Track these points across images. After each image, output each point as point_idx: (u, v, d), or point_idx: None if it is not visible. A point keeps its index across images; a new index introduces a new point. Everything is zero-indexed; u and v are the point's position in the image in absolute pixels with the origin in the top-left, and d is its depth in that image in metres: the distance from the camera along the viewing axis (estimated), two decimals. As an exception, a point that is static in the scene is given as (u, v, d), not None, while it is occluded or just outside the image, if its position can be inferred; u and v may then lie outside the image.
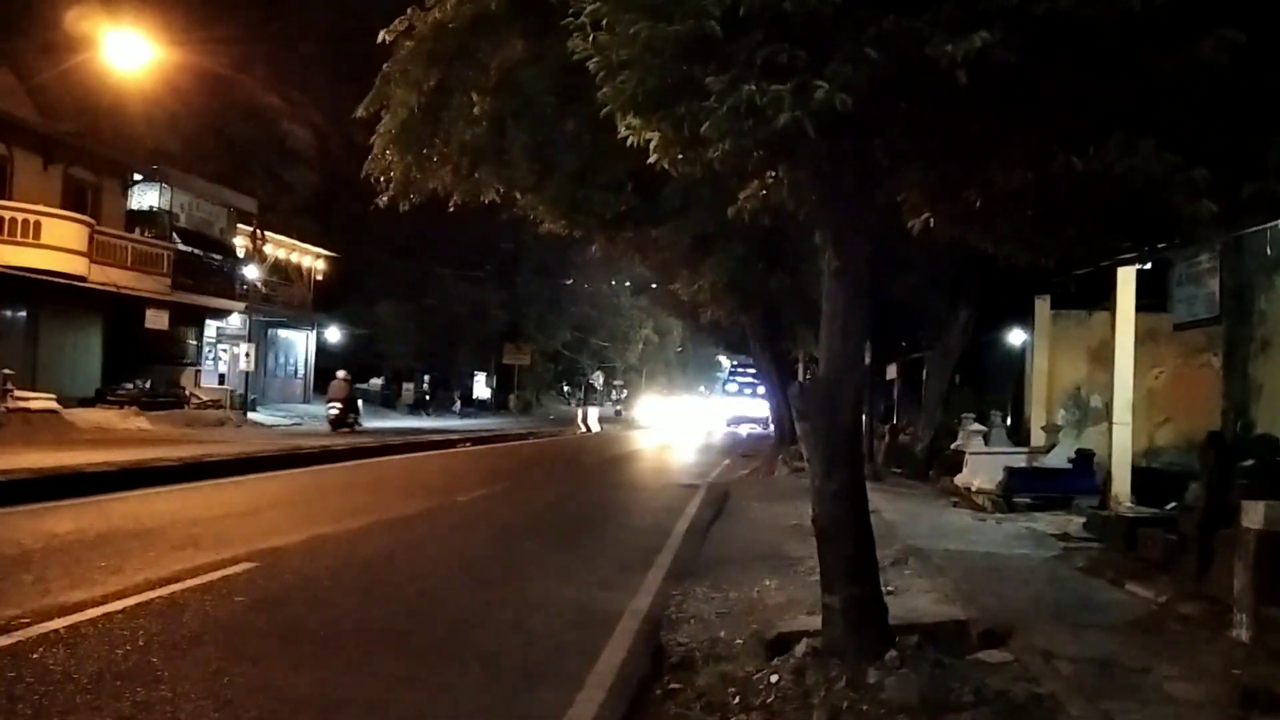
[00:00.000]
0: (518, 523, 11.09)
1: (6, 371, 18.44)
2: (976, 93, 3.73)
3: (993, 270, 10.45)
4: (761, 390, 47.04)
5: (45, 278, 20.83)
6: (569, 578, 7.53)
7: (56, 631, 5.06)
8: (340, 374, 26.67)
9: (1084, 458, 11.83)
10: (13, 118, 20.95)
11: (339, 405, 25.67)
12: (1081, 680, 4.60)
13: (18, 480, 10.32)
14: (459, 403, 40.43)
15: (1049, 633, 5.42)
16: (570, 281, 49.18)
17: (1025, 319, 14.96)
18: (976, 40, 3.49)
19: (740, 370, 51.14)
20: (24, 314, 21.89)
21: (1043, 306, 14.12)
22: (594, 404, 42.80)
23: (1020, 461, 12.54)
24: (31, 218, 20.66)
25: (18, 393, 18.86)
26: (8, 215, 20.35)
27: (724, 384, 56.02)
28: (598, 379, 53.94)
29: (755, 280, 15.09)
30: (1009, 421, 15.05)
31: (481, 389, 46.63)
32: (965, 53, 3.50)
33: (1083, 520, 9.76)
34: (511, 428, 32.96)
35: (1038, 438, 13.74)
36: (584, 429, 37.46)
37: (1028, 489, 11.74)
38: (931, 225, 4.94)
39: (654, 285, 21.14)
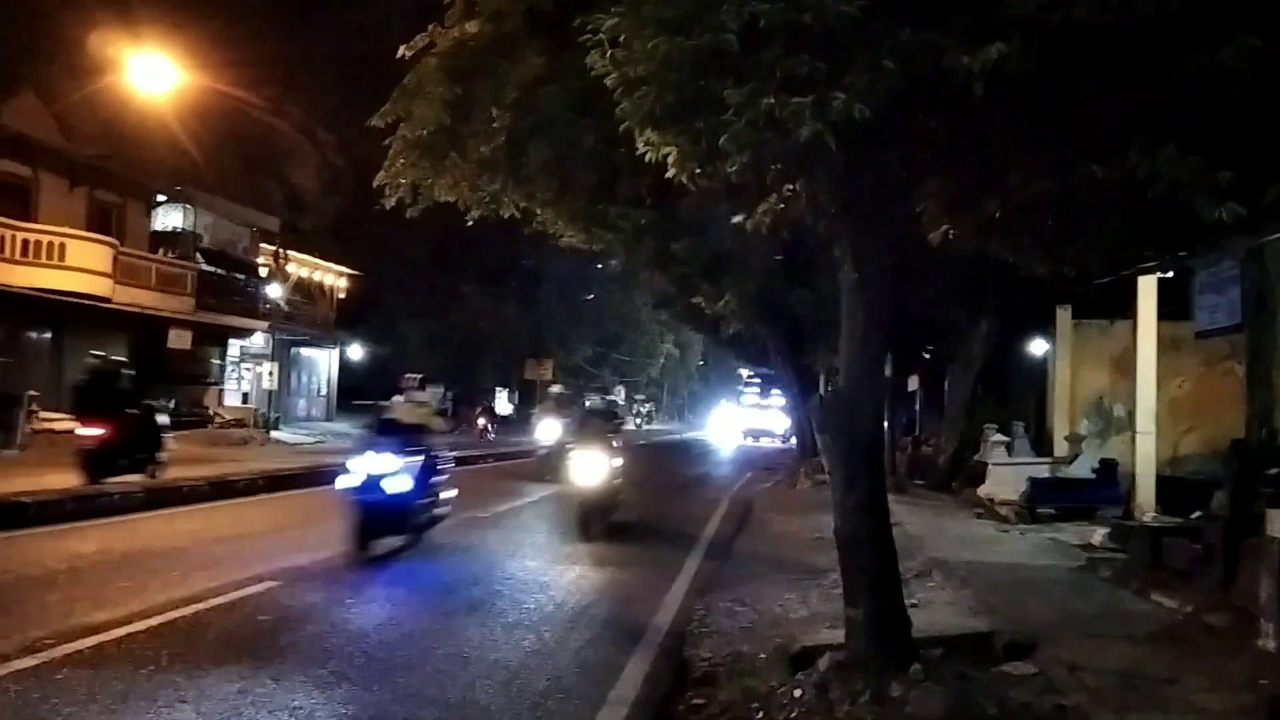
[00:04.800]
0: (540, 534, 11.10)
1: (31, 393, 18.61)
2: (993, 103, 3.74)
3: (1013, 280, 10.40)
4: (780, 402, 46.91)
5: (70, 299, 21.05)
6: (594, 591, 7.53)
7: (80, 652, 5.10)
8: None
9: (1107, 467, 11.74)
10: (38, 141, 21.23)
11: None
12: (1107, 692, 4.55)
13: (42, 501, 10.41)
14: (482, 420, 38.82)
15: (1074, 644, 5.37)
16: (592, 297, 49.33)
17: (1047, 328, 14.86)
18: (993, 51, 3.50)
19: (757, 382, 50.90)
20: (49, 335, 22.14)
21: (1064, 316, 14.04)
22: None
23: (1043, 472, 12.45)
24: (56, 240, 20.90)
25: (42, 414, 19.03)
26: (33, 237, 20.59)
27: (740, 396, 55.76)
28: (619, 393, 53.94)
29: (775, 294, 15.07)
30: (1031, 432, 14.93)
31: (504, 405, 46.74)
32: (982, 64, 3.51)
33: (1107, 531, 9.67)
34: (532, 443, 32.82)
35: (1061, 448, 13.64)
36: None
37: (1051, 499, 11.65)
38: (951, 236, 4.93)
39: (673, 299, 21.10)
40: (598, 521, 10.58)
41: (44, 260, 20.65)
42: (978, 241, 5.09)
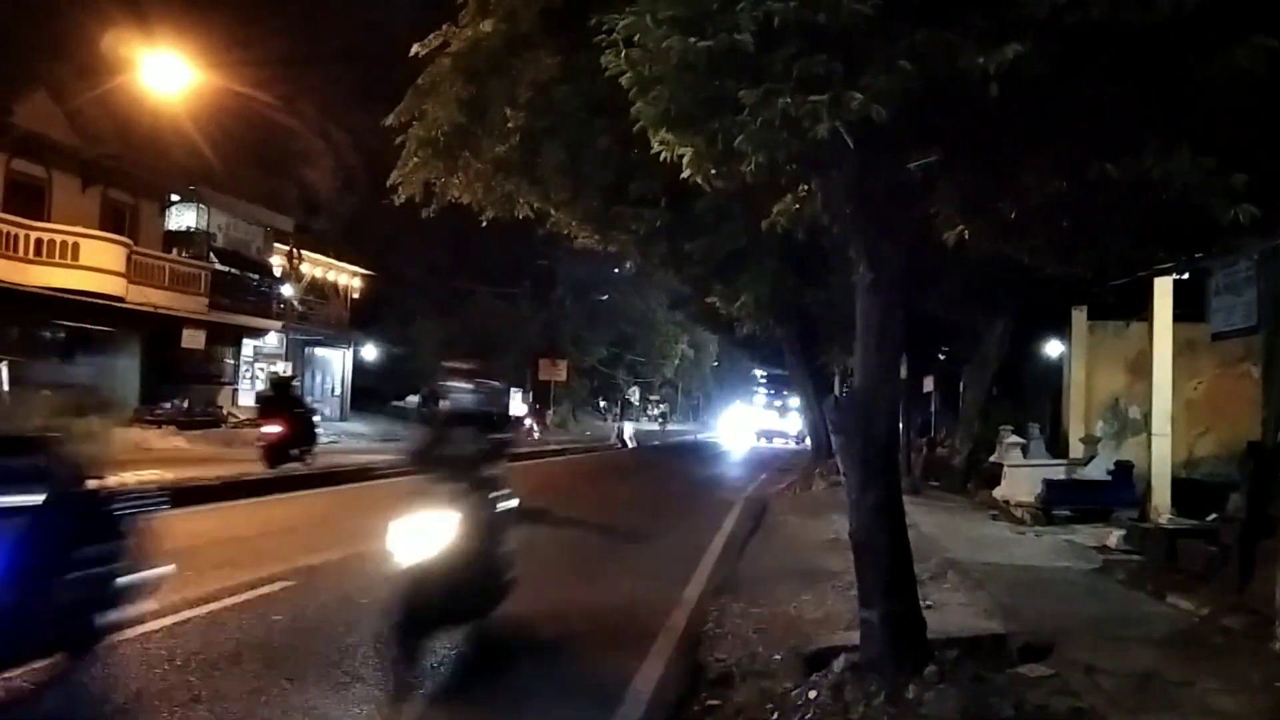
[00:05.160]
0: (552, 538, 11.09)
1: (45, 392, 18.67)
2: (1008, 104, 3.72)
3: (1029, 281, 10.37)
4: (793, 403, 46.83)
5: (84, 298, 21.17)
6: (604, 593, 7.54)
7: (93, 651, 5.02)
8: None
9: (1123, 469, 11.69)
10: (51, 140, 21.32)
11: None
12: (1123, 694, 4.53)
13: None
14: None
15: (1090, 646, 5.34)
16: (606, 297, 49.36)
17: (1062, 330, 14.79)
18: (1009, 52, 3.48)
19: (770, 383, 50.86)
20: (63, 335, 22.31)
21: (1079, 317, 13.97)
22: (630, 419, 42.94)
23: (1059, 473, 12.40)
24: (70, 239, 20.97)
25: (58, 413, 19.14)
26: (47, 237, 20.69)
27: (753, 397, 55.71)
28: (634, 394, 53.99)
29: (789, 294, 15.05)
30: (1047, 433, 14.86)
31: (518, 406, 46.86)
32: (998, 64, 3.50)
33: (1122, 532, 9.62)
34: (548, 443, 33.03)
35: (1076, 450, 13.57)
36: (620, 444, 37.48)
37: (1067, 501, 11.60)
38: (966, 237, 4.91)
39: (688, 299, 21.07)
40: (441, 631, 5.43)
41: (57, 259, 20.73)
42: (993, 243, 5.08)
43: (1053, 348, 16.33)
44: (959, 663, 4.61)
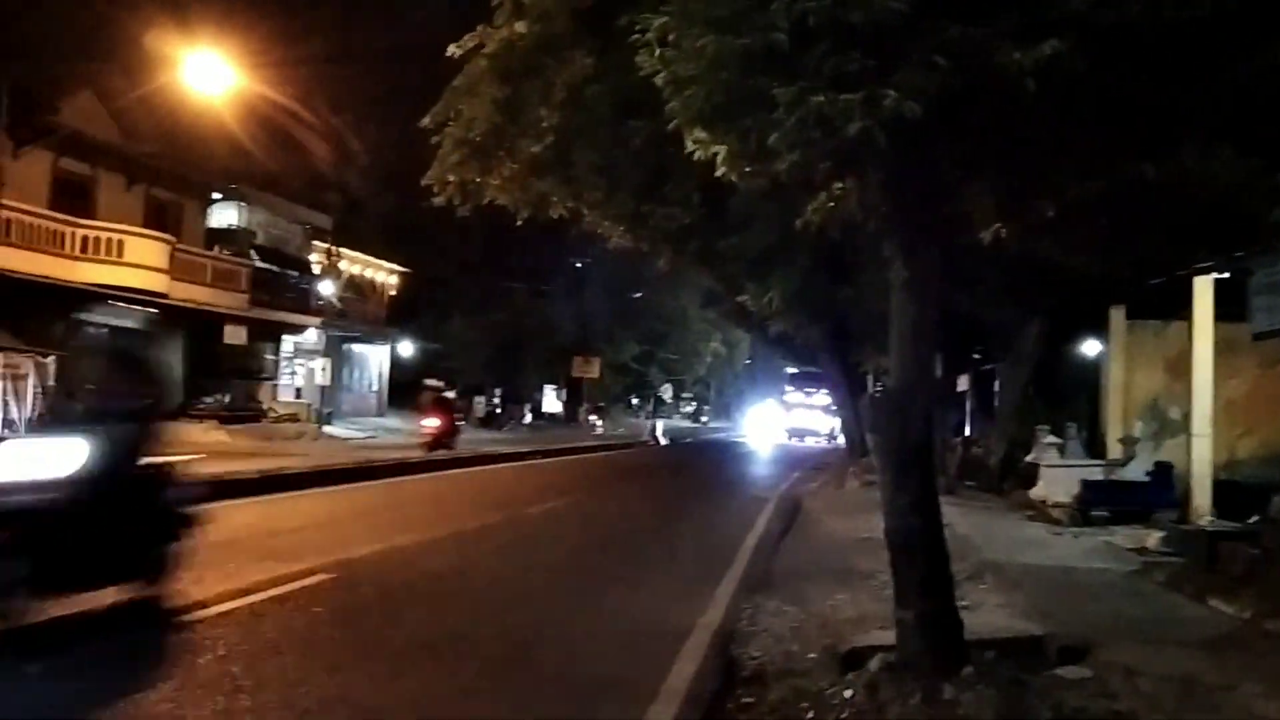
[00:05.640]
0: (588, 535, 11.18)
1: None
2: (1045, 101, 3.70)
3: (1066, 280, 10.24)
4: (824, 401, 46.47)
5: (128, 295, 21.58)
6: (639, 590, 7.58)
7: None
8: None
9: (1162, 470, 11.52)
10: (96, 140, 21.71)
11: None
12: (1163, 698, 4.48)
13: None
14: (529, 416, 41.13)
15: (1129, 649, 5.28)
16: (639, 295, 49.41)
17: (1100, 329, 14.59)
18: (1045, 49, 3.46)
19: (802, 381, 50.37)
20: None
21: (1118, 316, 13.77)
22: (662, 416, 43.10)
23: (1097, 474, 12.25)
24: (115, 236, 21.40)
25: (104, 407, 19.53)
26: (92, 234, 21.13)
27: (784, 395, 55.21)
28: (666, 392, 53.98)
29: (820, 292, 14.99)
30: (1084, 434, 14.67)
31: (551, 402, 47.08)
32: (1034, 61, 3.48)
33: (1162, 534, 9.49)
34: (580, 441, 33.22)
35: (1114, 450, 13.40)
36: (652, 441, 37.56)
37: (1105, 502, 11.46)
38: (1003, 235, 4.87)
39: (720, 297, 21.07)
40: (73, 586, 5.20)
41: (103, 256, 21.14)
42: (1029, 241, 5.04)
43: (1090, 347, 16.11)
44: (996, 664, 4.58)
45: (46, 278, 19.81)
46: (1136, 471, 12.07)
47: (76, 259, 20.81)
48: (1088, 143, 4.15)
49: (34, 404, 17.40)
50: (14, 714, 4.24)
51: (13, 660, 4.70)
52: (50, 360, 18.00)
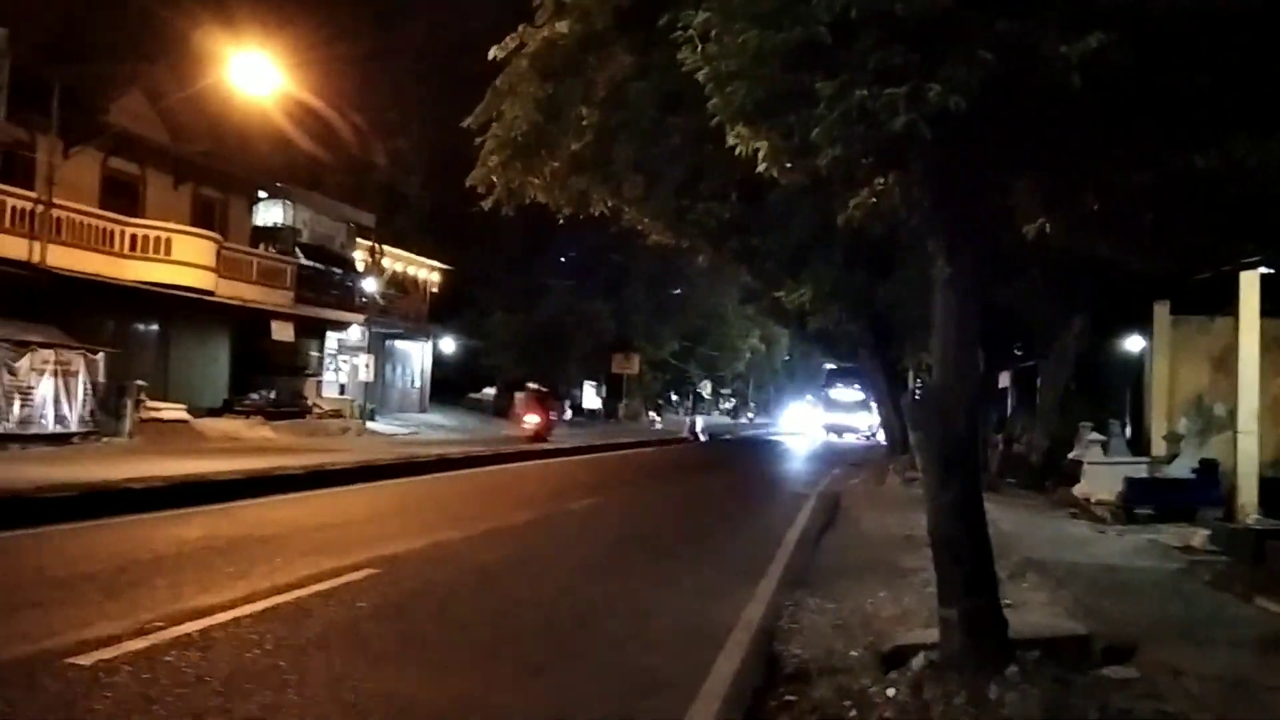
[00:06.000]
0: (629, 531, 11.21)
1: (139, 383, 19.45)
2: (1091, 94, 3.65)
3: (1109, 275, 10.07)
4: (861, 398, 46.03)
5: (176, 292, 21.88)
6: (681, 586, 7.59)
7: (189, 635, 5.27)
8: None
9: (1208, 468, 11.32)
10: (145, 139, 22.11)
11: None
12: (1211, 699, 4.41)
13: (152, 489, 10.87)
14: (569, 412, 41.51)
15: (1176, 649, 5.20)
16: (678, 292, 49.39)
17: (1143, 325, 14.31)
18: (1092, 41, 3.42)
19: (841, 377, 49.86)
20: (156, 327, 23.13)
21: (1162, 312, 13.51)
22: (701, 412, 43.23)
23: (1141, 472, 12.05)
24: (163, 235, 21.75)
25: (150, 403, 19.89)
26: (141, 232, 21.48)
27: (822, 390, 54.68)
28: (705, 388, 53.96)
29: (857, 288, 14.89)
30: (1128, 431, 14.41)
31: (591, 399, 47.31)
32: (1081, 54, 3.43)
33: (1208, 533, 9.32)
34: (620, 437, 33.32)
35: (1158, 447, 13.16)
36: (691, 437, 37.58)
37: (1149, 500, 11.29)
38: (1048, 230, 4.81)
39: (760, 294, 21.02)
40: None
41: (151, 254, 21.46)
42: (1074, 236, 4.97)
43: (1133, 343, 15.81)
44: (1041, 663, 4.53)
45: (96, 276, 20.22)
46: (1181, 469, 11.85)
47: (126, 257, 21.17)
48: (1135, 135, 4.08)
49: (84, 399, 17.84)
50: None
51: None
52: (100, 357, 18.42)
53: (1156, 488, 11.60)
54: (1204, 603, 6.74)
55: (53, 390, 17.11)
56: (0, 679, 4.39)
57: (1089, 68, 3.44)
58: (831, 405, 51.45)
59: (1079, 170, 4.36)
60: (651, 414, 44.66)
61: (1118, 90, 3.76)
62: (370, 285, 30.85)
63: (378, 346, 32.13)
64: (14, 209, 18.77)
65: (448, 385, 38.39)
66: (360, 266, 31.84)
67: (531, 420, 27.41)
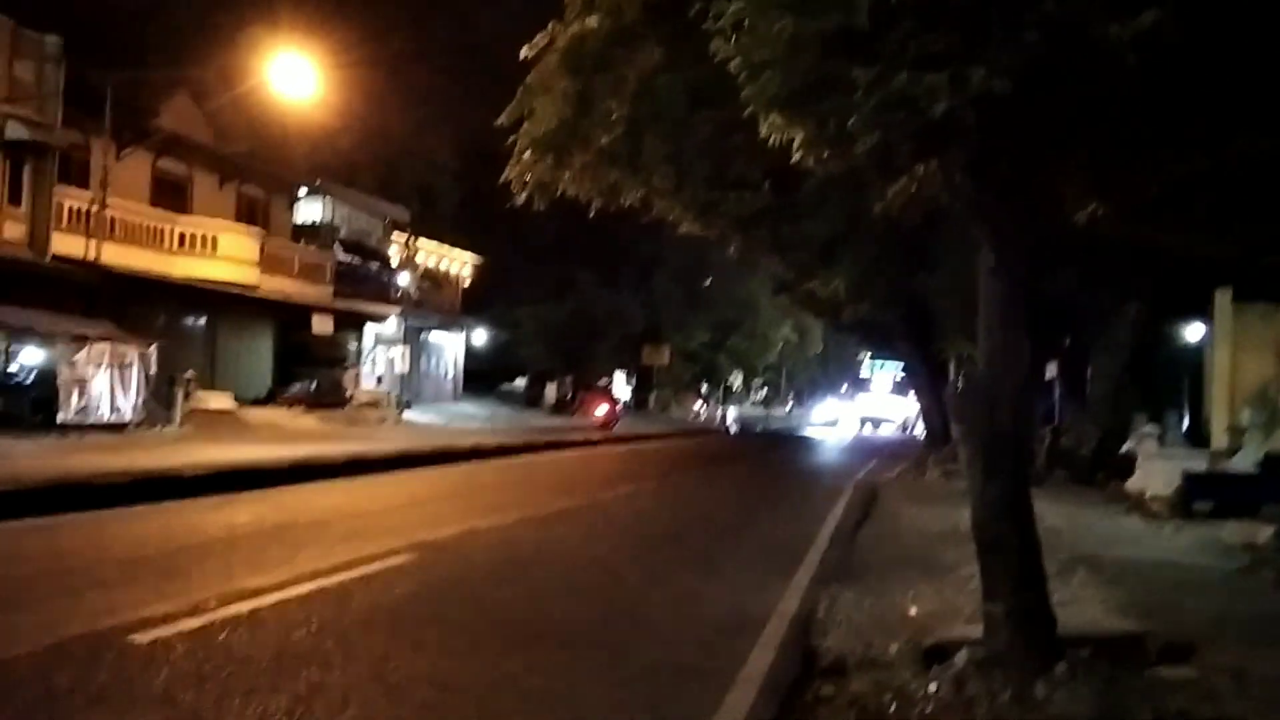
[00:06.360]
0: (662, 522, 11.18)
1: (189, 375, 20.02)
2: (1145, 74, 3.51)
3: (1165, 261, 9.79)
4: (896, 389, 45.48)
5: (222, 287, 22.53)
6: (715, 578, 7.54)
7: (239, 615, 5.47)
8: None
9: (1273, 461, 10.95)
10: (193, 141, 22.83)
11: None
12: (1274, 702, 4.24)
13: (202, 475, 11.23)
14: (700, 411, 42.00)
15: (1237, 650, 5.02)
16: (708, 282, 49.15)
17: (1203, 313, 13.94)
18: (1145, 19, 3.29)
19: (876, 368, 49.29)
20: (203, 321, 23.76)
21: (1223, 299, 13.13)
22: (733, 404, 43.07)
23: (1200, 465, 11.72)
24: (209, 232, 22.43)
25: (199, 394, 20.47)
26: (189, 230, 22.16)
27: (857, 381, 54.06)
28: (736, 379, 53.69)
29: (893, 278, 14.69)
30: (1185, 422, 14.05)
31: (621, 389, 47.32)
32: (1134, 33, 3.30)
33: (1272, 529, 9.01)
34: (651, 428, 33.41)
35: (1219, 440, 12.80)
36: (722, 429, 37.47)
37: (1209, 495, 10.96)
38: (1099, 216, 4.66)
39: (792, 284, 20.82)
40: None
41: (199, 251, 22.18)
42: (1128, 222, 4.81)
43: (1192, 331, 15.42)
44: (1091, 662, 4.40)
45: (148, 272, 20.90)
46: (1244, 463, 11.51)
47: (174, 254, 21.83)
48: (1195, 117, 3.92)
49: (138, 390, 18.32)
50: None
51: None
52: (152, 349, 18.89)
53: (1217, 482, 11.27)
54: (1268, 602, 6.55)
55: (108, 382, 17.61)
56: (67, 655, 4.57)
57: (1142, 47, 3.31)
58: (867, 396, 50.83)
59: (1132, 154, 4.21)
60: (700, 404, 43.34)
61: (1173, 70, 3.61)
62: (405, 279, 31.19)
63: (413, 338, 32.49)
64: (71, 209, 19.51)
65: (480, 376, 38.76)
66: (395, 261, 32.18)
67: (602, 410, 32.39)
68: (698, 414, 41.98)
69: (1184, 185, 4.24)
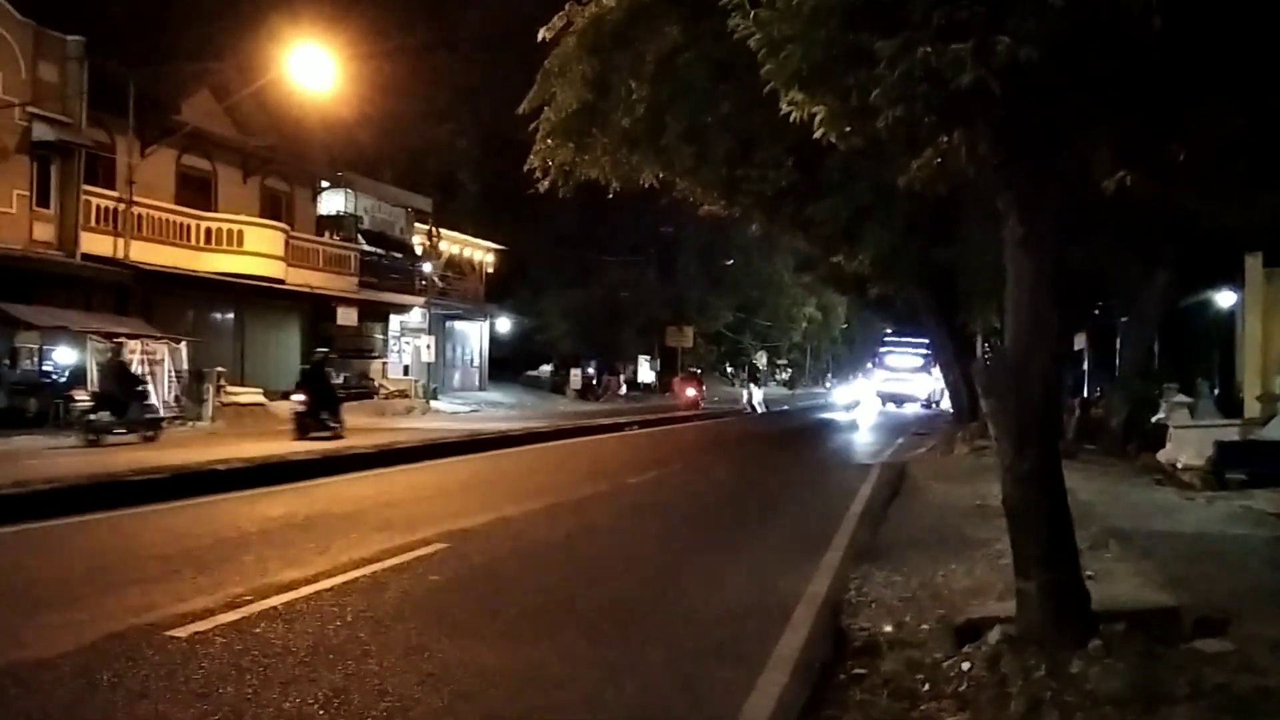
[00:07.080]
0: (690, 504, 11.20)
1: (219, 369, 20.24)
2: (1174, 37, 3.43)
3: (1194, 228, 9.60)
4: (920, 363, 44.91)
5: (249, 281, 22.73)
6: (745, 559, 7.55)
7: (275, 608, 5.53)
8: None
9: (1309, 430, 10.74)
10: (216, 136, 22.94)
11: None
12: (1315, 673, 4.17)
13: (235, 470, 11.37)
14: (624, 387, 41.78)
15: (1274, 620, 4.94)
16: (731, 262, 48.94)
17: (1233, 279, 13.68)
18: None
19: (899, 343, 48.46)
20: (231, 315, 23.98)
21: (1255, 265, 12.87)
22: (759, 383, 42.88)
23: (1233, 435, 11.53)
24: (235, 227, 22.63)
25: (229, 388, 20.69)
26: (214, 226, 22.37)
27: (879, 358, 53.14)
28: (761, 359, 53.47)
29: (918, 252, 14.50)
30: (1216, 391, 13.83)
31: (646, 372, 47.33)
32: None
33: (1309, 499, 8.86)
34: (677, 410, 33.44)
35: (1252, 409, 12.57)
36: (749, 409, 37.40)
37: (1242, 464, 10.76)
38: (1128, 184, 4.57)
39: (815, 261, 20.63)
40: None
41: (225, 246, 22.39)
42: (1158, 189, 4.71)
43: (1223, 298, 15.14)
44: (1126, 637, 4.35)
45: (175, 268, 21.16)
46: (1278, 431, 11.29)
47: (201, 249, 22.07)
48: (1225, 80, 3.83)
49: (170, 386, 18.57)
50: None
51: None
52: (182, 346, 19.15)
53: (1251, 451, 11.06)
54: (1303, 572, 6.41)
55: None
56: (108, 651, 4.65)
57: (1171, 9, 3.23)
58: (888, 372, 49.93)
59: (1161, 119, 4.12)
60: (751, 388, 41.55)
61: (1204, 32, 3.52)
62: (429, 268, 31.29)
63: (438, 327, 32.65)
64: (99, 208, 19.79)
65: (505, 363, 38.94)
66: (419, 250, 32.28)
67: (690, 393, 36.32)
68: (752, 399, 40.52)
69: (1216, 149, 4.14)
